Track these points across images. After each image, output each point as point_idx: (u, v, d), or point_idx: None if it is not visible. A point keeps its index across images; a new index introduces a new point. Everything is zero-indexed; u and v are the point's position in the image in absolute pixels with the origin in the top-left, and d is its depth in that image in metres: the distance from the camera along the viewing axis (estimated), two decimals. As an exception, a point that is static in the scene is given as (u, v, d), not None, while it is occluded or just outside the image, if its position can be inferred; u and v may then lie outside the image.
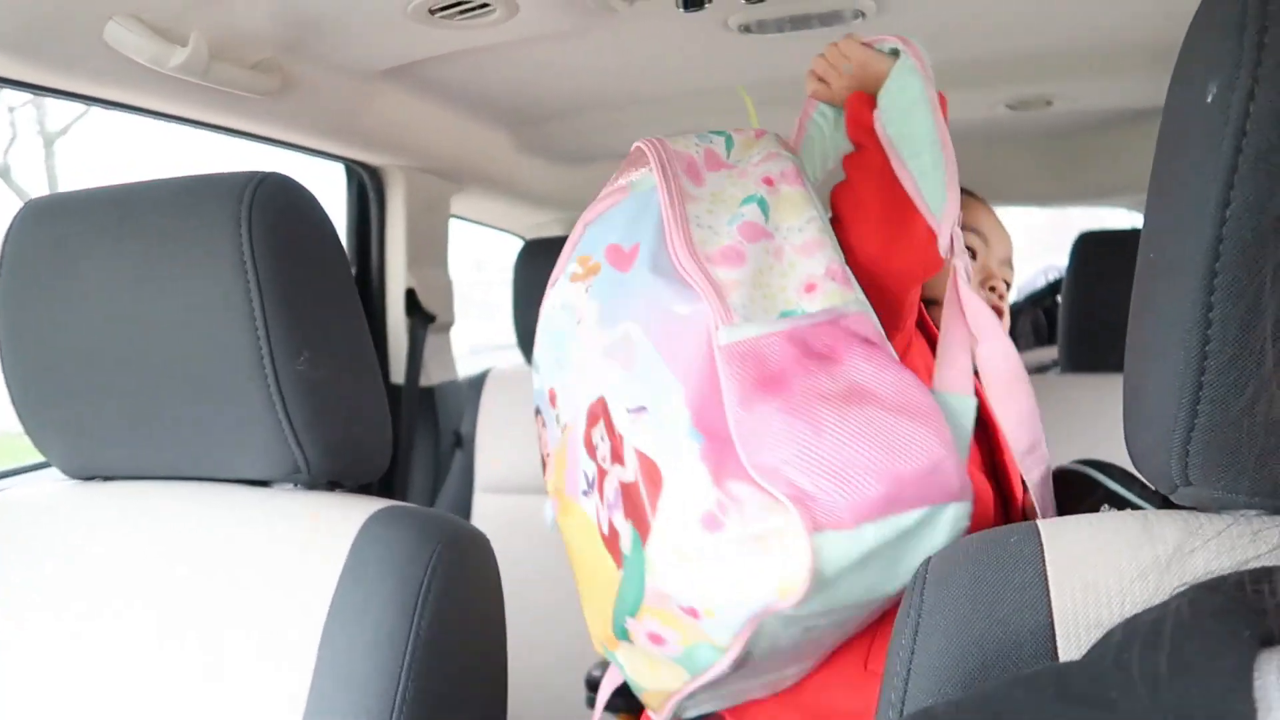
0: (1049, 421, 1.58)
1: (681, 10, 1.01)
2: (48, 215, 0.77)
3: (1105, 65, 1.45)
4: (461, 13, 1.09)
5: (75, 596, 0.77)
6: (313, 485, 0.77)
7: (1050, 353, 1.90)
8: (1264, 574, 0.37)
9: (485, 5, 1.07)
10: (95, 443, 0.80)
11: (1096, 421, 1.27)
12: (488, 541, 0.75)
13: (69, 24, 0.93)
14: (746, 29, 1.21)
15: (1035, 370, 1.81)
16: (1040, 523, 0.49)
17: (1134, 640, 0.37)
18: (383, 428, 0.79)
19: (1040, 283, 2.15)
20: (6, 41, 0.90)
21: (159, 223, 0.72)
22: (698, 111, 1.70)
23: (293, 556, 0.72)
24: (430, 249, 1.74)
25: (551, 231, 2.23)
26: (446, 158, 1.68)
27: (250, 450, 0.74)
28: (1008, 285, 1.20)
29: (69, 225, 0.76)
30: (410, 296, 1.68)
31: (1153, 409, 0.44)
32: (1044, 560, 0.47)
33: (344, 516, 0.73)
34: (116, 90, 1.05)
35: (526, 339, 1.84)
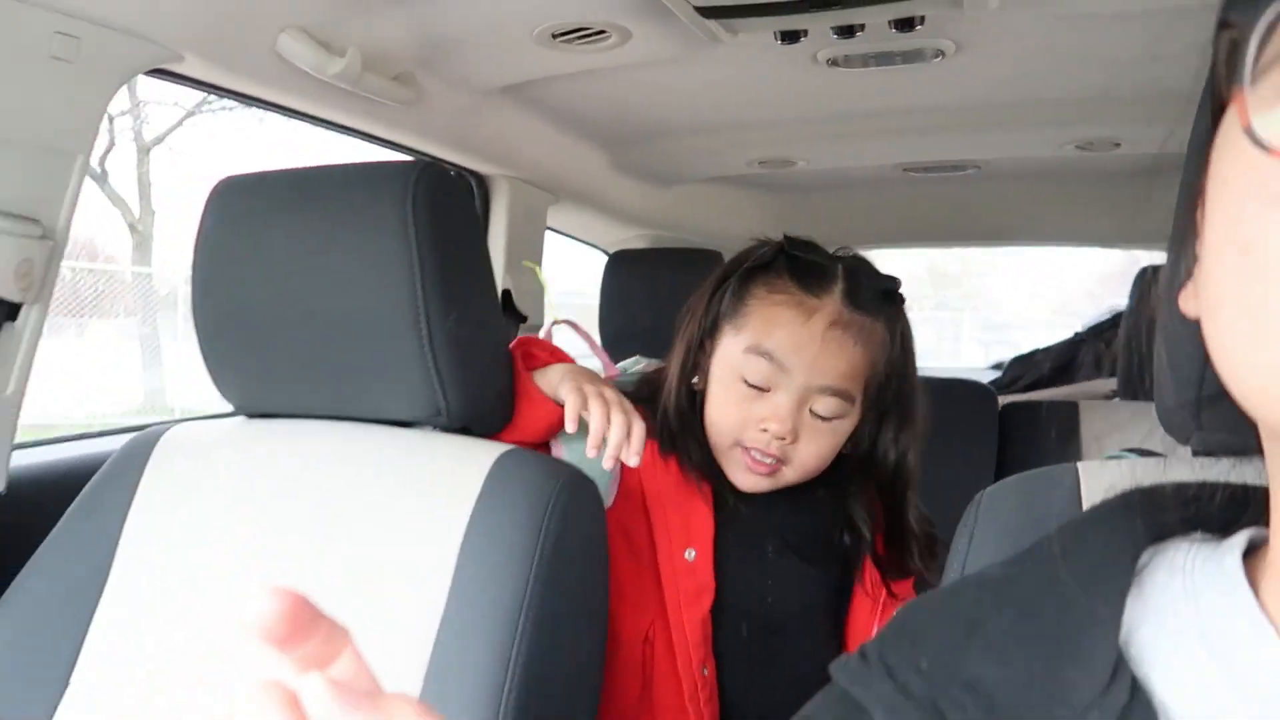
0: (1108, 445, 1.65)
1: (779, 43, 1.13)
2: (239, 191, 0.92)
3: (1172, 111, 1.53)
4: (580, 38, 1.23)
5: (242, 515, 0.90)
6: (448, 429, 0.90)
7: (1110, 384, 1.96)
8: (1193, 486, 0.46)
9: (602, 32, 1.20)
10: (266, 385, 0.94)
11: (1150, 444, 1.35)
12: (595, 486, 0.87)
13: (250, 35, 1.08)
14: (834, 63, 1.33)
15: (1098, 398, 1.88)
16: (1079, 464, 0.59)
17: (1057, 531, 0.44)
18: (508, 385, 0.92)
19: (1104, 317, 2.22)
20: (200, 49, 1.05)
21: (337, 200, 0.86)
22: (781, 141, 1.83)
23: (433, 488, 0.85)
24: (526, 255, 1.88)
25: (634, 245, 2.36)
26: (547, 171, 1.82)
27: (401, 395, 0.87)
28: (826, 412, 0.99)
29: (257, 200, 0.91)
30: (506, 297, 1.82)
31: (1178, 374, 0.54)
32: (1080, 494, 0.57)
33: (476, 457, 0.85)
34: (279, 94, 1.21)
35: (611, 344, 1.97)
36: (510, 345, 1.01)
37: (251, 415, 0.98)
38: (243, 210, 0.91)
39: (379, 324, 0.85)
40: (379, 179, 0.86)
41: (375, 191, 0.85)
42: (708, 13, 1.04)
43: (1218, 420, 0.53)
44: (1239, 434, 0.53)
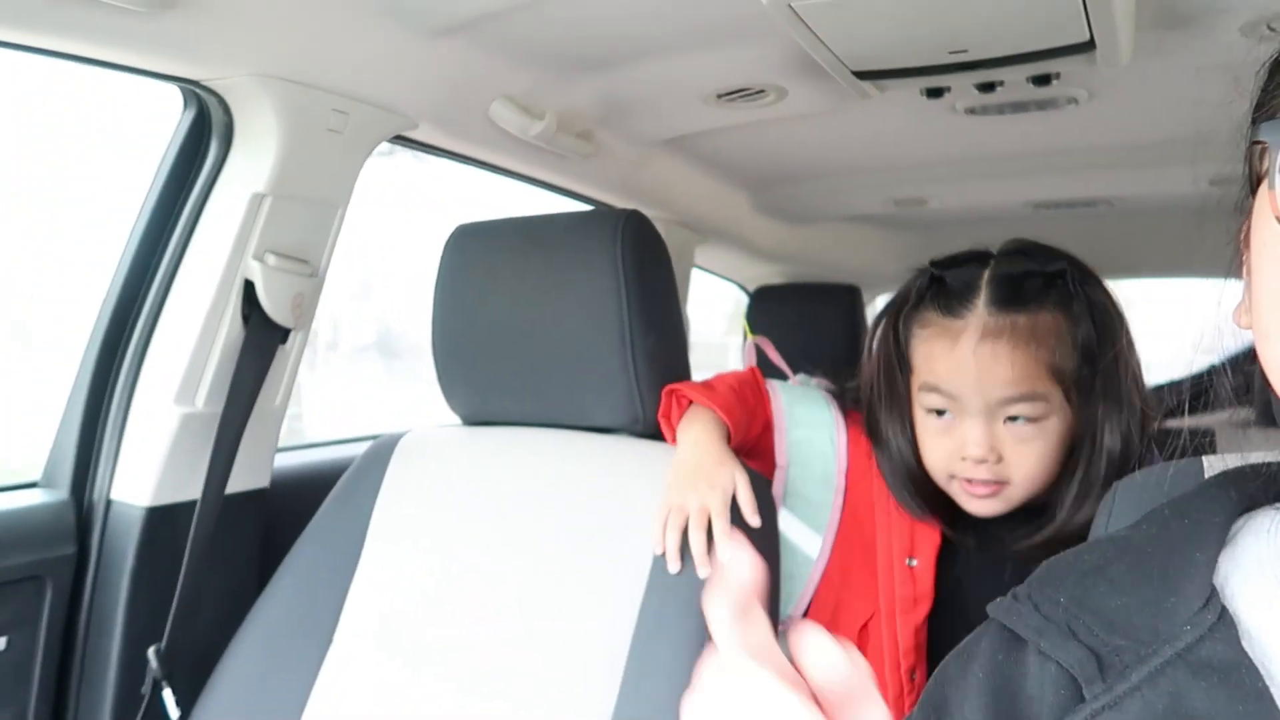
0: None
1: (925, 98, 1.27)
2: (473, 236, 1.12)
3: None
4: (743, 97, 1.39)
5: (467, 505, 1.08)
6: (642, 434, 1.06)
7: (1246, 413, 1.98)
8: (1264, 465, 0.56)
9: (762, 91, 1.36)
10: (488, 396, 1.12)
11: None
12: (768, 484, 1.01)
13: (469, 104, 1.28)
14: (972, 111, 1.45)
15: (1233, 427, 1.91)
16: (1204, 458, 0.70)
17: (1168, 502, 0.56)
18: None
19: (1242, 349, 2.20)
20: (431, 117, 1.26)
21: (557, 242, 1.05)
22: (916, 182, 1.95)
23: (630, 483, 1.01)
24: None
25: (772, 281, 2.51)
26: (696, 212, 1.99)
27: (605, 404, 1.04)
28: (1020, 418, 0.97)
29: (489, 243, 1.10)
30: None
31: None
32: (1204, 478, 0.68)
33: (665, 457, 1.01)
34: (487, 153, 1.41)
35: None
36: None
37: (472, 424, 1.17)
38: (476, 252, 1.11)
39: (589, 343, 1.02)
40: (592, 224, 1.04)
41: (589, 234, 1.03)
42: (863, 75, 1.19)
43: None
44: None
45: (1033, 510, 1.03)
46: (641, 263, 1.01)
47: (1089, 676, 0.46)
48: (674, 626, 0.91)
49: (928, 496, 1.05)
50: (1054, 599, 0.52)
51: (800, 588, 1.08)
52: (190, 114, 1.13)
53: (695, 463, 0.98)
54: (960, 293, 1.03)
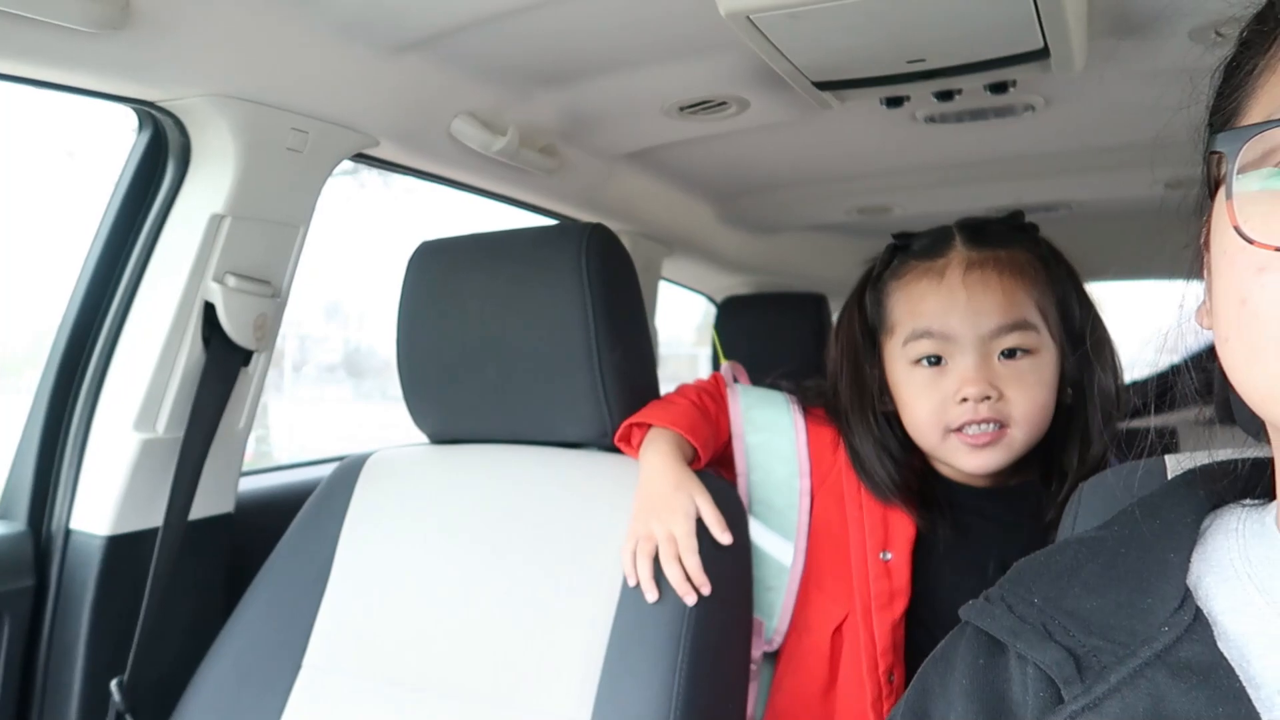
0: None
1: (885, 107, 1.28)
2: (437, 252, 1.11)
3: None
4: (704, 109, 1.39)
5: (437, 524, 1.07)
6: (612, 448, 1.05)
7: (1208, 411, 2.01)
8: (1228, 462, 0.57)
9: (724, 103, 1.37)
10: (456, 415, 1.11)
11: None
12: (736, 494, 1.01)
13: (431, 121, 1.28)
14: (931, 120, 1.46)
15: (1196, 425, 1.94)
16: (1167, 456, 0.71)
17: (1137, 502, 0.57)
18: (663, 410, 1.07)
19: (1203, 347, 2.24)
20: (393, 135, 1.25)
21: (521, 257, 1.04)
22: (879, 190, 1.96)
23: (598, 497, 1.00)
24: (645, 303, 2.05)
25: (740, 292, 2.52)
26: (662, 225, 1.99)
27: (573, 419, 1.03)
28: (1016, 351, 0.97)
29: (453, 259, 1.09)
30: (626, 342, 1.99)
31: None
32: (1167, 478, 0.69)
33: (634, 471, 1.00)
34: (450, 169, 1.41)
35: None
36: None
37: (440, 442, 1.16)
38: (440, 269, 1.10)
39: (556, 359, 1.02)
40: (557, 238, 1.03)
41: (554, 249, 1.02)
42: (823, 86, 1.19)
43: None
44: None
45: (1010, 490, 1.03)
46: (607, 276, 1.01)
47: (1067, 677, 0.46)
48: (648, 639, 0.90)
49: (904, 478, 1.03)
50: (1028, 600, 0.52)
51: (781, 599, 1.07)
52: (146, 135, 1.11)
53: (655, 488, 0.98)
54: (935, 241, 1.05)
